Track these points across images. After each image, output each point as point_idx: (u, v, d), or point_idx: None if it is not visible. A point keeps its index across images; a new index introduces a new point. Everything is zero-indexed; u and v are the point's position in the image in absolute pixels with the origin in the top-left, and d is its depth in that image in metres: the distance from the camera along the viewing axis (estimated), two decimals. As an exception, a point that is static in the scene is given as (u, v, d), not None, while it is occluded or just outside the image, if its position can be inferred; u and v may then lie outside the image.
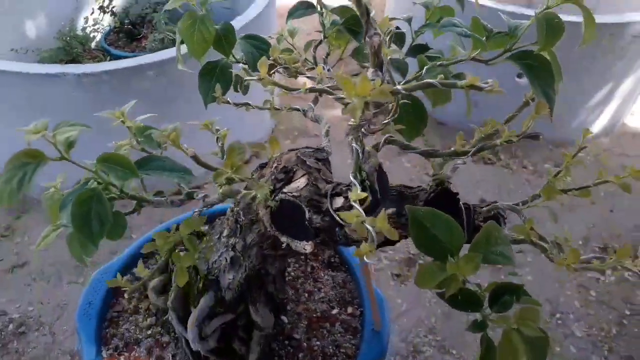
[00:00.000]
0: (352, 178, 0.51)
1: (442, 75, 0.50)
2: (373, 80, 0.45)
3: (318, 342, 1.04)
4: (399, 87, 0.48)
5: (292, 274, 1.15)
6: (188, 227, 0.70)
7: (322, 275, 1.15)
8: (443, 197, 0.73)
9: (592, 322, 1.83)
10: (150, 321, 1.06)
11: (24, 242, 2.02)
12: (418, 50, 0.87)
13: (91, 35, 2.77)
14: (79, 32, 2.73)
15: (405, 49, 0.87)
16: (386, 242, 0.75)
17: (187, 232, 0.71)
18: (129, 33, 2.78)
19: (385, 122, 0.59)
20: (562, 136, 2.42)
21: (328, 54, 0.90)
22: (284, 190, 0.61)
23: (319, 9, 0.77)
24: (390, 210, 0.68)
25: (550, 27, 0.62)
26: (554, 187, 0.65)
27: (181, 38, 0.79)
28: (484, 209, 0.73)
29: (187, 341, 0.97)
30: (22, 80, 1.72)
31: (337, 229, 0.61)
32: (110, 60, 2.47)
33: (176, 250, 0.77)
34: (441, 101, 0.82)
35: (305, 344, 1.04)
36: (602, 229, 2.15)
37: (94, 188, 0.54)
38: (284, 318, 1.07)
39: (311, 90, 0.58)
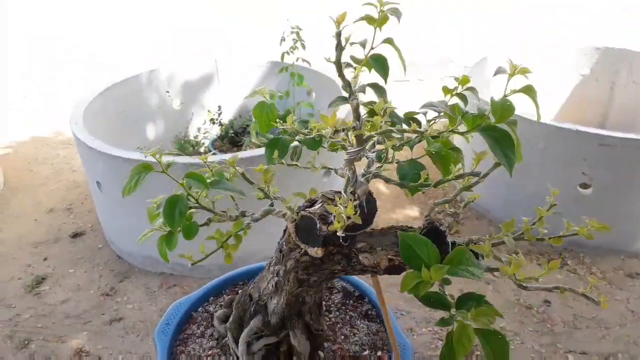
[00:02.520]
0: (342, 192, 0.76)
1: (398, 126, 0.76)
2: (353, 127, 0.72)
3: (348, 377, 1.21)
4: (374, 134, 0.75)
5: (333, 319, 1.36)
6: (237, 227, 0.98)
7: (359, 323, 1.35)
8: (434, 234, 0.95)
9: None
10: (211, 344, 1.30)
11: (122, 302, 2.37)
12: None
13: (201, 141, 3.33)
14: (191, 138, 3.30)
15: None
16: (391, 269, 0.98)
17: (235, 230, 0.98)
18: (232, 140, 3.31)
19: (379, 165, 0.85)
20: (635, 249, 2.49)
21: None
22: (305, 209, 0.87)
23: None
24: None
25: (503, 105, 0.87)
26: (557, 264, 0.86)
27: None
28: (465, 242, 0.93)
29: (238, 358, 1.20)
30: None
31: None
32: (212, 158, 2.96)
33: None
34: (447, 172, 1.07)
35: (336, 377, 1.22)
36: None
37: (180, 194, 0.85)
38: (321, 353, 1.27)
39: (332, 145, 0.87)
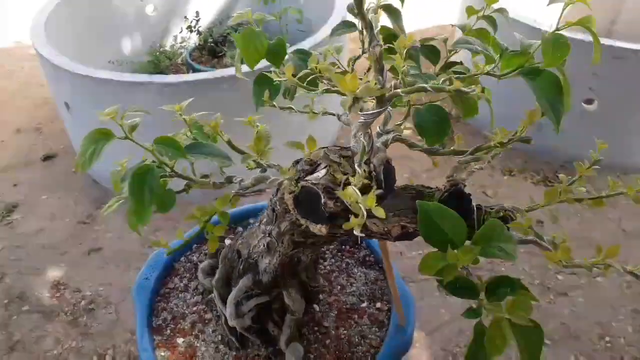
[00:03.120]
0: (356, 167, 0.60)
1: (434, 81, 0.58)
2: (369, 81, 0.54)
3: (345, 331, 1.11)
4: (398, 90, 0.57)
5: (328, 267, 1.24)
6: (222, 203, 0.82)
7: (356, 271, 1.24)
8: (456, 197, 0.80)
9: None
10: (196, 299, 1.19)
11: (101, 230, 2.24)
12: (448, 66, 0.95)
13: (178, 52, 3.04)
14: (168, 49, 3.01)
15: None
16: (403, 236, 0.83)
17: (221, 207, 0.82)
18: (211, 50, 3.02)
19: (398, 123, 0.68)
20: (633, 165, 2.40)
21: (369, 69, 1.00)
22: (306, 178, 0.71)
23: (359, 27, 0.87)
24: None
25: (557, 45, 0.68)
26: (555, 192, 0.70)
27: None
28: (494, 209, 0.79)
29: (226, 318, 1.08)
30: (115, 87, 1.96)
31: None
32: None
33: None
34: (470, 113, 0.89)
35: (333, 331, 1.12)
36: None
37: (149, 164, 0.67)
38: (316, 306, 1.16)
39: (327, 90, 0.68)
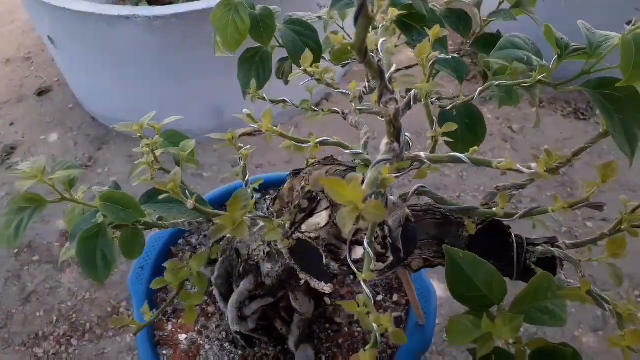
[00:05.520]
0: (366, 245, 0.44)
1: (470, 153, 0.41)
2: (386, 161, 0.37)
3: (359, 328, 1.02)
4: (422, 155, 0.40)
5: (340, 253, 1.12)
6: (199, 263, 0.68)
7: (371, 257, 1.12)
8: (492, 228, 0.65)
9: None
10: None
11: (104, 173, 2.14)
12: (485, 42, 0.75)
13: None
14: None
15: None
16: (426, 267, 0.70)
17: (197, 267, 0.69)
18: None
19: (421, 156, 0.51)
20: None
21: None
22: (303, 228, 0.56)
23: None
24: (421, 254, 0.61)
25: (641, 53, 0.49)
26: (621, 243, 0.55)
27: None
28: (538, 245, 0.64)
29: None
30: (96, 22, 1.74)
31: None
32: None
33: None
34: (506, 102, 0.71)
35: (346, 328, 1.03)
36: None
37: (100, 224, 0.53)
38: (327, 299, 1.06)
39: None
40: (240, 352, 1.02)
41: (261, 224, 0.57)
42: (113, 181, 0.68)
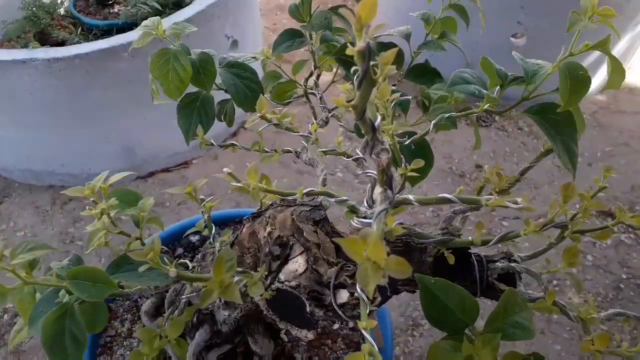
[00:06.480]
0: (359, 290, 0.45)
1: (460, 190, 0.44)
2: (386, 210, 0.38)
3: (319, 362, 1.02)
4: (411, 198, 0.41)
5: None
6: (176, 329, 0.65)
7: (320, 286, 1.12)
8: (453, 250, 0.68)
9: (588, 287, 1.84)
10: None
11: (9, 229, 1.96)
12: (418, 72, 0.79)
13: (59, 1, 2.57)
14: (45, 0, 2.52)
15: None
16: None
17: (174, 334, 0.65)
18: (100, -2, 2.59)
19: (410, 199, 0.52)
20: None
21: (319, 75, 0.82)
22: (282, 278, 0.55)
23: (308, 38, 0.68)
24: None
25: (575, 80, 0.54)
26: (575, 251, 0.60)
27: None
28: (498, 264, 0.68)
29: (185, 370, 0.94)
30: (-14, 68, 1.60)
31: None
32: (81, 29, 2.31)
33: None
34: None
35: (306, 363, 1.02)
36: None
37: (66, 303, 0.48)
38: (284, 337, 1.05)
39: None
40: (200, 406, 0.97)
41: (236, 278, 0.55)
42: (74, 254, 0.63)
